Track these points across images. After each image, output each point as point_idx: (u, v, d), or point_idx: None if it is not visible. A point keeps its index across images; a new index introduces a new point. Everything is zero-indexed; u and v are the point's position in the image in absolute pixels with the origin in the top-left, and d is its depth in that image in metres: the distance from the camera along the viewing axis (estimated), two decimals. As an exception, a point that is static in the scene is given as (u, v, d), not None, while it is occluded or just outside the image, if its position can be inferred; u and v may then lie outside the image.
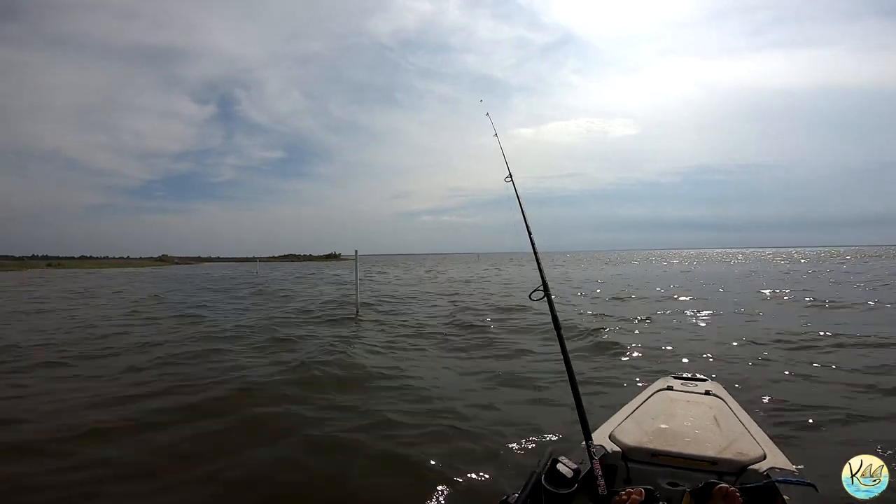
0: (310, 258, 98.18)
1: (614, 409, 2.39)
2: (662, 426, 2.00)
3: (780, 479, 1.59)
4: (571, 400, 1.75)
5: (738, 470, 1.72)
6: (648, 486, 1.49)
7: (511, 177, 2.56)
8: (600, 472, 1.51)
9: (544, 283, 1.97)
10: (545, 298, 1.95)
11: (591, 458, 1.47)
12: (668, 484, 1.67)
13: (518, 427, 3.54)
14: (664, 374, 2.86)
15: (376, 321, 9.45)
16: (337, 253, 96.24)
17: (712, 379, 2.77)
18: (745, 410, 2.29)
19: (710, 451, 1.77)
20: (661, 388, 2.52)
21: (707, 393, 2.43)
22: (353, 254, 10.93)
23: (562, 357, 1.83)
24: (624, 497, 1.42)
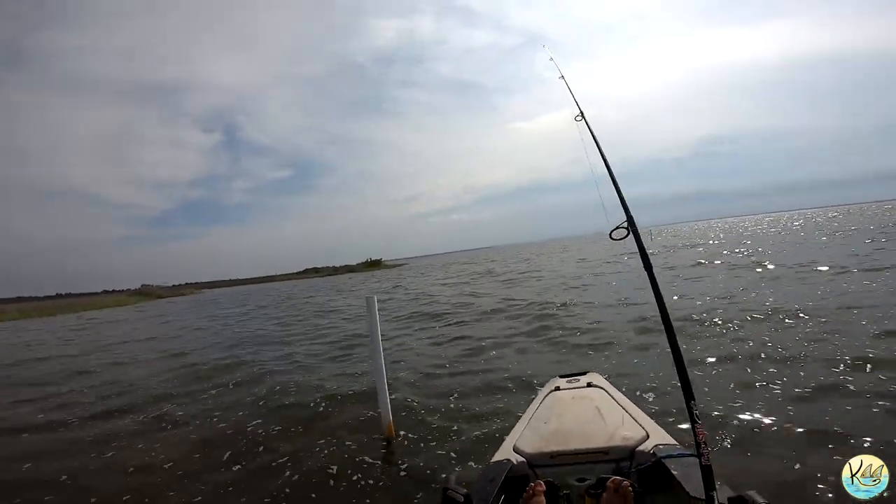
0: (349, 269, 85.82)
1: None
2: (556, 427, 2.13)
3: (664, 454, 1.72)
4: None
5: (628, 454, 1.84)
6: (548, 479, 1.67)
7: (583, 115, 2.37)
8: None
9: (628, 217, 1.78)
10: (630, 235, 1.74)
11: (694, 423, 1.41)
12: (577, 480, 1.77)
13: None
14: (552, 376, 2.96)
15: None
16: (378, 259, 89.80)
17: (592, 371, 2.91)
18: (625, 395, 2.45)
19: (600, 442, 1.91)
20: (550, 389, 2.64)
21: (589, 385, 2.60)
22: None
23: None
24: (529, 492, 1.57)
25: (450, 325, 9.53)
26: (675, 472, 1.62)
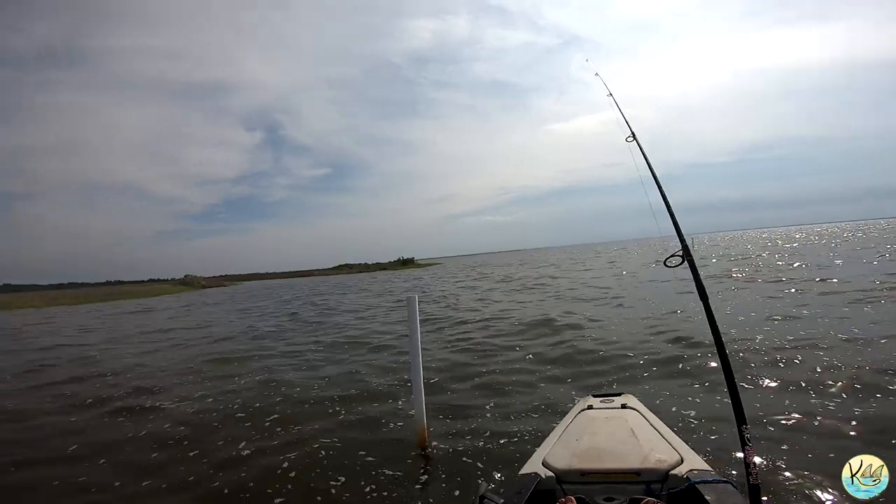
0: (379, 267, 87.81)
1: None
2: (588, 445, 2.09)
3: (699, 480, 1.69)
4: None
5: (661, 477, 1.80)
6: (579, 496, 1.63)
7: (634, 136, 2.37)
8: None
9: (684, 246, 1.80)
10: (685, 263, 1.77)
11: (745, 445, 1.44)
12: (605, 499, 1.75)
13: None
14: (584, 394, 2.94)
15: None
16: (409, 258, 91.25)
17: (627, 392, 2.86)
18: (660, 419, 2.39)
19: (633, 463, 1.87)
20: (582, 408, 2.59)
21: (623, 406, 2.54)
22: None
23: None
24: None
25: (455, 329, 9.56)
26: (708, 499, 1.59)
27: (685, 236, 1.93)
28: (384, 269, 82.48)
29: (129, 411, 5.45)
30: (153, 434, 4.63)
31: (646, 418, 2.37)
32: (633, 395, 2.79)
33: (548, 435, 2.40)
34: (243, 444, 4.19)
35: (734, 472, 2.87)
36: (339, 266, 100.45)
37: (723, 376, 1.69)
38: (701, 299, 1.73)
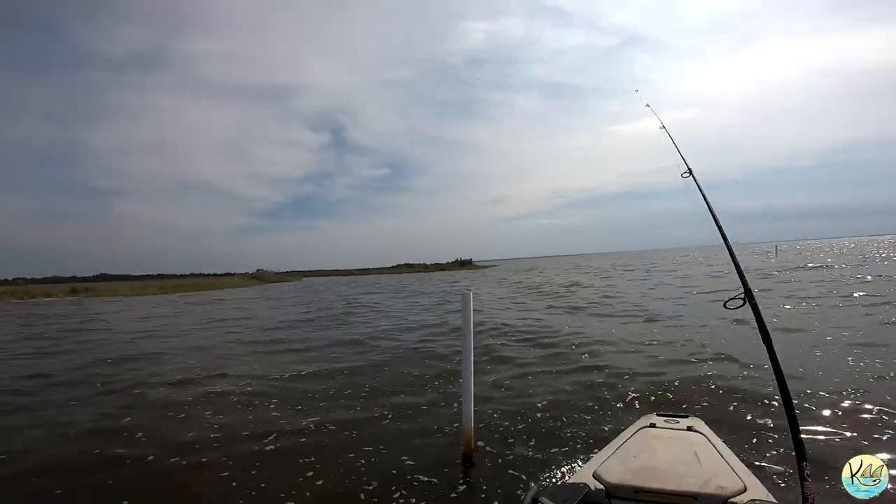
0: (438, 267, 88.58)
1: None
2: (644, 463, 2.01)
3: None
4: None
5: None
6: None
7: (690, 172, 2.33)
8: None
9: (746, 289, 1.78)
10: (747, 305, 1.74)
11: (804, 481, 1.45)
12: None
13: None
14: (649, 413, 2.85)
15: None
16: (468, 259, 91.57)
17: (695, 415, 2.73)
18: (727, 445, 2.27)
19: (691, 487, 1.79)
20: (643, 425, 2.51)
21: (689, 429, 2.42)
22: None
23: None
24: None
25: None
26: None
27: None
28: (443, 269, 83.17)
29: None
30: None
31: (712, 443, 2.23)
32: (701, 419, 2.62)
33: (603, 447, 2.31)
34: (272, 425, 4.61)
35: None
36: (399, 265, 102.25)
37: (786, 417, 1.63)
38: (764, 343, 1.70)
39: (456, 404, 5.01)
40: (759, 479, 1.87)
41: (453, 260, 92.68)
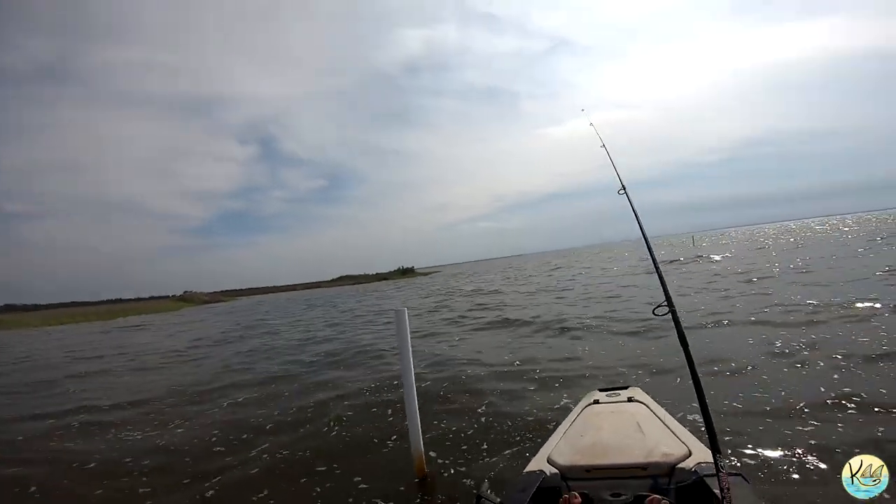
0: (380, 277, 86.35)
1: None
2: (593, 441, 2.06)
3: (707, 472, 1.65)
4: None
5: (667, 471, 1.77)
6: (585, 492, 1.63)
7: (625, 189, 2.47)
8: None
9: (668, 298, 1.92)
10: (669, 314, 1.87)
11: (719, 472, 1.42)
12: (611, 495, 1.71)
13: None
14: (591, 389, 2.90)
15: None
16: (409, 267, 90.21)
17: (634, 385, 2.83)
18: (667, 411, 2.36)
19: (639, 458, 1.84)
20: (587, 403, 2.58)
21: (630, 400, 2.52)
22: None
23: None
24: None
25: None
26: (717, 492, 1.53)
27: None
28: (385, 279, 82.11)
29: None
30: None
31: (653, 411, 2.33)
32: (640, 387, 2.76)
33: (553, 431, 2.37)
34: (218, 459, 4.10)
35: (739, 464, 2.88)
36: (341, 277, 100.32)
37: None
38: (682, 346, 1.78)
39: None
40: (703, 441, 1.91)
41: (396, 269, 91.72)
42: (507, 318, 10.93)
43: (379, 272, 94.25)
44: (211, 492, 3.54)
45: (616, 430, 2.14)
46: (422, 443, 3.40)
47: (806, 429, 3.36)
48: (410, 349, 3.41)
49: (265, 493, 3.40)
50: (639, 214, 2.36)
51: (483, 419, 4.37)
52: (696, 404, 1.58)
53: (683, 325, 1.79)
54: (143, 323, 29.44)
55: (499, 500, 1.57)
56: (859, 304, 7.30)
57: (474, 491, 1.62)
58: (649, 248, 2.20)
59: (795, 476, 2.76)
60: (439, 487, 3.22)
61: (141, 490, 3.69)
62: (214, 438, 4.73)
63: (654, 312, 1.90)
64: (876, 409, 3.54)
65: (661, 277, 2.08)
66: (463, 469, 3.43)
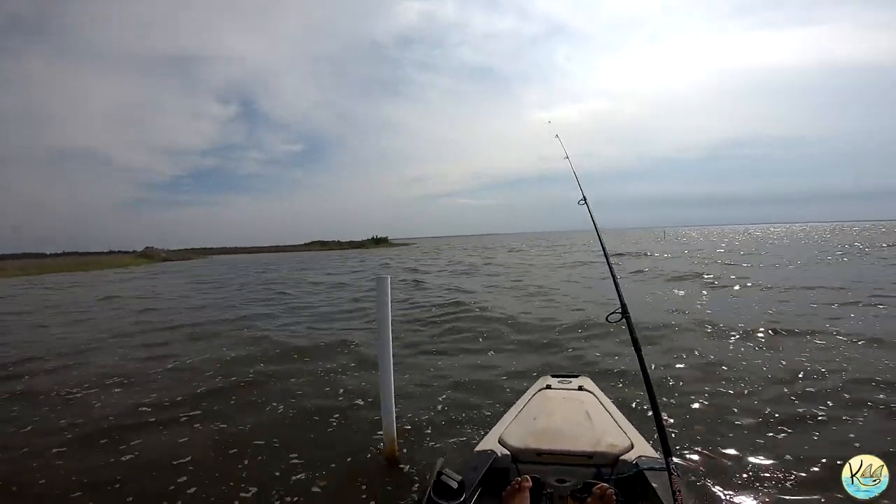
0: (353, 245, 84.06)
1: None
2: (544, 425, 2.13)
3: (647, 466, 1.75)
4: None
5: (611, 461, 1.84)
6: (534, 476, 1.73)
7: (585, 200, 2.70)
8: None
9: (622, 304, 2.03)
10: (623, 320, 2.00)
11: (671, 474, 1.49)
12: (557, 480, 1.80)
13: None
14: (543, 373, 3.00)
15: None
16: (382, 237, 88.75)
17: (584, 374, 2.93)
18: (613, 403, 2.47)
19: (586, 446, 1.91)
20: (540, 387, 2.65)
21: (580, 388, 2.60)
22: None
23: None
24: (515, 486, 1.63)
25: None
26: (655, 486, 1.64)
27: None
28: (358, 247, 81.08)
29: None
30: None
31: (601, 402, 2.44)
32: (590, 378, 2.86)
33: (506, 412, 2.42)
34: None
35: (677, 461, 2.82)
36: (313, 242, 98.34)
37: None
38: (636, 351, 1.90)
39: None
40: (644, 436, 2.06)
41: (370, 238, 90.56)
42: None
43: (352, 240, 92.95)
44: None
45: (567, 418, 2.21)
46: (395, 427, 2.95)
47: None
48: (390, 322, 2.91)
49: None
50: (597, 225, 2.68)
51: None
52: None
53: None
54: (76, 282, 25.91)
55: (459, 478, 1.59)
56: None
57: (429, 475, 1.67)
58: (607, 259, 2.44)
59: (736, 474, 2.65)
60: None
61: (55, 450, 3.40)
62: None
63: (607, 319, 2.01)
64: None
65: (615, 283, 2.23)
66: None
